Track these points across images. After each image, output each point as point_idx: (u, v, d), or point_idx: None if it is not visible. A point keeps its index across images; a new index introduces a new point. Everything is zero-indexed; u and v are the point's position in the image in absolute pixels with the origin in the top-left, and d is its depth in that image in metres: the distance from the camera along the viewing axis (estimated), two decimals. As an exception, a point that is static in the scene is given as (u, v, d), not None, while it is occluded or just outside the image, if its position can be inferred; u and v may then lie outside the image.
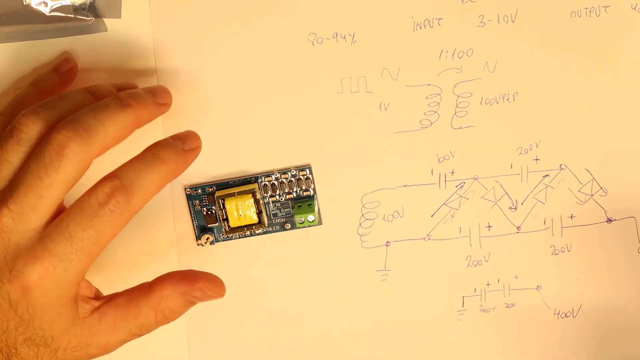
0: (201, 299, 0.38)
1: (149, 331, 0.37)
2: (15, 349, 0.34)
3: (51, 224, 0.35)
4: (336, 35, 0.42)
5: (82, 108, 0.36)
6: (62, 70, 0.40)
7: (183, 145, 0.37)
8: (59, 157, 0.34)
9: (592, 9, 0.42)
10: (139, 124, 0.37)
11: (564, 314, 0.45)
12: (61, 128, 0.34)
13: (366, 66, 0.42)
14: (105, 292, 0.38)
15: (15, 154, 0.35)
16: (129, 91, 0.37)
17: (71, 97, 0.37)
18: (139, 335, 0.37)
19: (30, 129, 0.35)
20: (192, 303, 0.38)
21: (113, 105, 0.36)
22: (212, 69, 0.42)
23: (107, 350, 0.37)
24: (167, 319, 0.37)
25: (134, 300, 0.37)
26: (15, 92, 0.39)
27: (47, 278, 0.34)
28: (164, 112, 0.39)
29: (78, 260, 0.34)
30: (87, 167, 0.35)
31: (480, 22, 0.42)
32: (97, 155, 0.35)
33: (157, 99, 0.38)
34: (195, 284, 0.37)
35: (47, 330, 0.35)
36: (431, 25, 0.42)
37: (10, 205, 0.34)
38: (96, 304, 0.37)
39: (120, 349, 0.38)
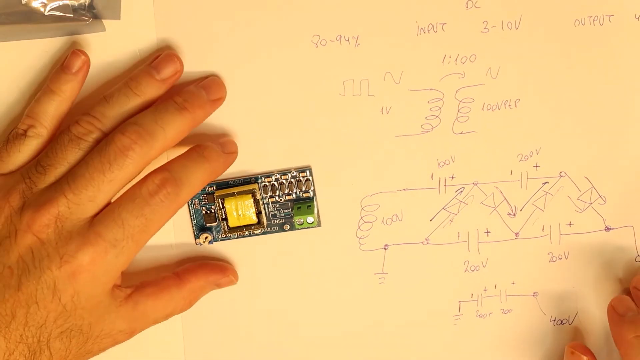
0: (222, 286, 0.42)
1: (169, 318, 0.40)
2: (47, 345, 0.35)
3: (102, 212, 0.36)
4: (340, 38, 0.42)
5: (130, 111, 0.38)
6: (75, 70, 0.39)
7: (223, 148, 0.40)
8: (123, 156, 0.36)
9: (596, 17, 0.42)
10: (195, 124, 0.39)
11: (560, 321, 0.45)
12: (125, 130, 0.36)
13: (369, 69, 0.42)
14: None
15: (74, 155, 0.37)
16: (184, 92, 0.39)
17: (116, 100, 0.38)
18: (160, 322, 0.40)
19: (89, 137, 0.37)
20: (212, 289, 0.42)
21: (171, 109, 0.38)
22: (215, 69, 0.42)
23: (132, 335, 0.39)
24: (189, 306, 0.41)
25: (165, 289, 0.40)
26: (36, 97, 0.39)
27: (98, 263, 0.35)
28: (219, 106, 0.41)
29: (127, 247, 0.36)
30: (146, 166, 0.37)
31: (484, 28, 0.42)
32: (157, 157, 0.37)
33: (211, 94, 0.40)
34: (227, 272, 0.42)
35: (86, 318, 0.36)
36: (435, 30, 0.42)
37: (68, 194, 0.35)
38: (128, 291, 0.38)
39: (115, 348, 0.39)
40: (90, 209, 0.36)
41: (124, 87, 0.38)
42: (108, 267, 0.36)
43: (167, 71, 0.39)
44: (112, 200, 0.37)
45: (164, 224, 0.37)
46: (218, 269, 0.42)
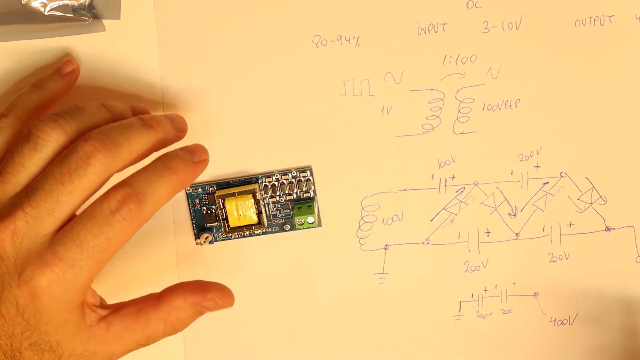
0: (211, 309, 0.38)
1: (155, 341, 0.37)
2: (20, 353, 0.34)
3: (62, 230, 0.34)
4: (340, 38, 0.42)
5: (99, 122, 0.36)
6: (64, 72, 0.40)
7: (192, 157, 0.37)
8: (84, 165, 0.34)
9: (597, 18, 0.42)
10: (158, 147, 0.37)
11: (560, 322, 0.45)
12: (89, 138, 0.34)
13: (370, 69, 0.42)
14: (103, 290, 0.38)
15: (32, 160, 0.35)
16: (150, 115, 0.38)
17: (89, 110, 0.37)
18: (145, 345, 0.37)
19: (49, 135, 0.35)
20: (201, 313, 0.38)
21: (137, 125, 0.36)
22: (215, 69, 0.42)
23: (112, 359, 0.37)
24: (175, 330, 0.38)
25: (142, 311, 0.37)
26: (18, 93, 0.39)
27: (56, 284, 0.34)
28: (180, 139, 0.39)
29: (87, 267, 0.34)
30: (108, 179, 0.35)
31: (485, 29, 0.42)
32: (119, 170, 0.35)
33: (175, 126, 0.39)
34: (207, 294, 0.37)
35: (53, 335, 0.35)
36: (435, 30, 0.42)
37: (26, 208, 0.34)
38: (103, 312, 0.37)
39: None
40: (50, 224, 0.34)
41: (98, 103, 0.38)
42: (67, 287, 0.34)
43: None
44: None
45: (127, 241, 0.35)
46: (199, 289, 0.38)
